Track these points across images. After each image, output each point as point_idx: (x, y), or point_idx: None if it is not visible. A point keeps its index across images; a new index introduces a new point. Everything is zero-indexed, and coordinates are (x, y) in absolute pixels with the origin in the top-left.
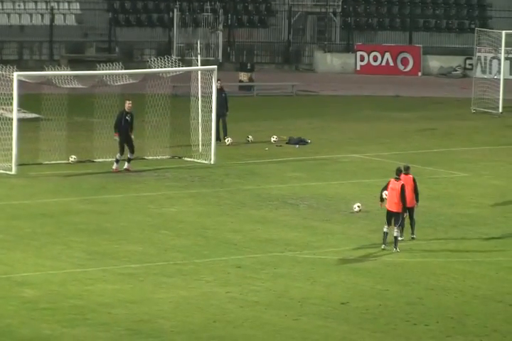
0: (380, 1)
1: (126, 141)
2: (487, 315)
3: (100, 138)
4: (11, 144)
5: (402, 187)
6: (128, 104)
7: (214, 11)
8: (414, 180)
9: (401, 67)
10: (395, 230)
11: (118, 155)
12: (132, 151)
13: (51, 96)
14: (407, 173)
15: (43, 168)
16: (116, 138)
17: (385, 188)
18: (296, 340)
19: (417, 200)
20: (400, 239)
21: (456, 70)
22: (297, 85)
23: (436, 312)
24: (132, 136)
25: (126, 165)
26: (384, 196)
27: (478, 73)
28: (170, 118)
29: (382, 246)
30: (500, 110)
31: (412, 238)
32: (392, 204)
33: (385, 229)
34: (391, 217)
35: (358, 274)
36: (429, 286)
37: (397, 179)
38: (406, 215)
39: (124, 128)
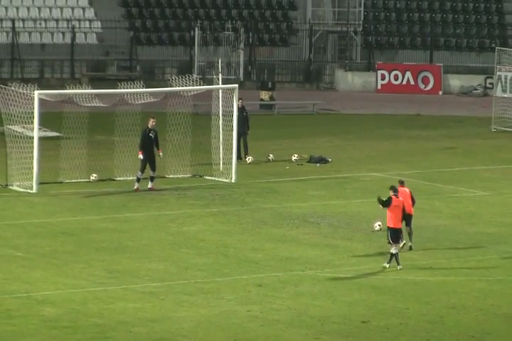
0: (401, 19)
1: (149, 159)
2: (508, 333)
3: (121, 156)
4: (31, 163)
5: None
6: (152, 122)
7: (235, 29)
8: (410, 191)
9: (422, 85)
10: (394, 247)
11: (139, 174)
12: (154, 169)
13: (72, 115)
14: (402, 186)
15: (64, 187)
16: (141, 156)
17: (389, 202)
18: None
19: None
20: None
21: (477, 89)
22: (318, 104)
23: (456, 331)
24: (160, 154)
25: (150, 185)
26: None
27: (498, 92)
28: (191, 136)
29: (387, 265)
30: None
31: (410, 246)
32: (397, 221)
33: (393, 251)
34: (396, 235)
35: (379, 293)
36: (450, 305)
37: (397, 196)
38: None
39: (148, 145)
